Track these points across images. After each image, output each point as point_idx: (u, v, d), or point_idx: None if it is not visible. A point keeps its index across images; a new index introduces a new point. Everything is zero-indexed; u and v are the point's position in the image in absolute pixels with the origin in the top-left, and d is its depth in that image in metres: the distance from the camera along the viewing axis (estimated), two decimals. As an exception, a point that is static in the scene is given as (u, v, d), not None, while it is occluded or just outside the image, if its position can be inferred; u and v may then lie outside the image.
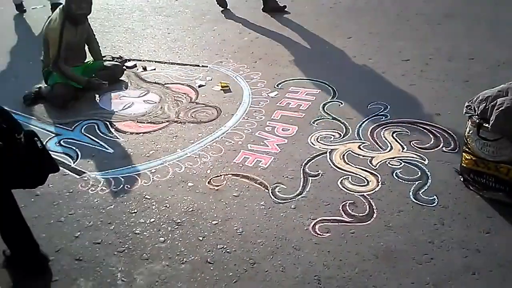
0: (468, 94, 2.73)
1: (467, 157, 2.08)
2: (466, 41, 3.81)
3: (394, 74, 3.40)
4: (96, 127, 3.03)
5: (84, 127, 3.03)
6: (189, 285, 1.80)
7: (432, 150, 2.46)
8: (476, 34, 3.95)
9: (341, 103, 3.05)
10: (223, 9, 5.21)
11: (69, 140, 2.90)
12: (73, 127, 3.05)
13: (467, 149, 2.07)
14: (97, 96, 3.46)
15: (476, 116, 1.96)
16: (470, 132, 2.01)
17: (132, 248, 1.99)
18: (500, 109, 1.81)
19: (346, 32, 4.29)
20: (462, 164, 2.14)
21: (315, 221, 2.05)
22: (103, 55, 4.01)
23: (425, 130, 2.64)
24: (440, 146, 2.48)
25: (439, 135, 2.58)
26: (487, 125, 1.88)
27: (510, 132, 1.82)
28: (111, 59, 3.98)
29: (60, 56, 3.29)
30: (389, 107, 2.93)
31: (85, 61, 3.64)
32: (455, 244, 1.87)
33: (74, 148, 2.80)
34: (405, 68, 3.47)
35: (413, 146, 2.50)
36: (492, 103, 1.87)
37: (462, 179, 2.18)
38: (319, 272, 1.80)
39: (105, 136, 2.91)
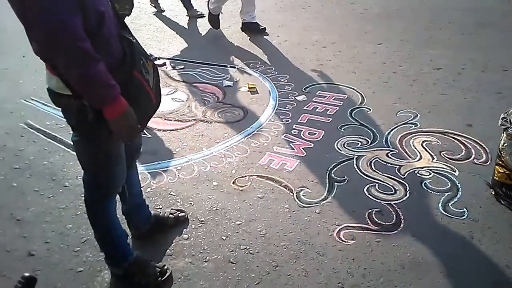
0: (501, 106, 2.68)
1: (500, 170, 2.02)
2: (500, 52, 3.72)
3: (425, 82, 3.34)
4: (124, 122, 3.06)
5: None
6: (211, 283, 1.80)
7: (463, 162, 2.40)
8: (510, 45, 3.85)
9: (370, 110, 3.01)
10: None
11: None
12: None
13: (500, 162, 2.01)
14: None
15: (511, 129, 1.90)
16: (505, 144, 1.95)
17: (155, 244, 2.00)
18: (538, 122, 1.75)
19: (377, 38, 4.24)
20: (494, 177, 2.08)
21: (340, 227, 2.03)
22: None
23: (456, 141, 2.58)
24: (472, 158, 2.42)
25: (470, 146, 2.52)
26: (524, 138, 1.82)
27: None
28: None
29: None
30: (419, 115, 2.88)
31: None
32: (484, 259, 1.81)
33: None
34: (437, 77, 3.40)
35: (443, 156, 2.45)
36: (530, 116, 1.81)
37: (493, 193, 2.12)
38: (343, 279, 1.77)
39: (132, 132, 2.93)
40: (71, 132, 1.56)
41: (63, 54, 1.23)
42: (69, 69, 1.26)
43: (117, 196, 1.81)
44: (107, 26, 1.35)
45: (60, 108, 1.49)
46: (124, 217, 1.98)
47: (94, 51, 1.25)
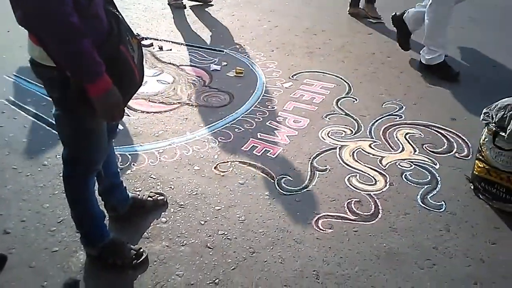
0: (486, 102, 2.67)
1: (480, 165, 2.03)
2: (489, 48, 3.72)
3: (413, 74, 3.34)
4: (107, 102, 3.02)
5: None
6: (187, 267, 1.79)
7: (445, 155, 2.41)
8: (501, 41, 3.86)
9: (356, 100, 3.00)
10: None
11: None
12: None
13: (480, 157, 2.02)
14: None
15: (493, 124, 1.91)
16: (486, 139, 1.96)
17: (132, 226, 1.99)
18: (519, 118, 1.76)
19: (368, 28, 4.22)
20: (474, 172, 2.09)
21: (319, 216, 2.03)
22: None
23: (439, 134, 2.59)
24: (453, 151, 2.44)
25: (453, 140, 2.53)
26: (503, 134, 1.83)
27: (527, 143, 1.77)
28: (128, 36, 3.96)
29: None
30: (404, 107, 2.88)
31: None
32: (459, 252, 1.83)
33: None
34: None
35: (425, 149, 2.46)
36: (510, 112, 1.82)
37: (472, 187, 2.14)
38: (318, 267, 1.78)
39: (116, 112, 2.89)
40: (53, 109, 1.52)
41: (50, 28, 1.20)
42: (54, 44, 1.23)
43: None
44: (95, 0, 1.31)
45: (42, 81, 1.45)
46: (101, 198, 1.95)
47: (81, 26, 1.21)
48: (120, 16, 1.45)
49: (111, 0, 1.47)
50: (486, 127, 1.98)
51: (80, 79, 1.29)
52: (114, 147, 2.44)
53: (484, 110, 1.99)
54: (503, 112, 1.86)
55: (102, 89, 1.30)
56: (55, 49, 1.25)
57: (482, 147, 1.99)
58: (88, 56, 1.24)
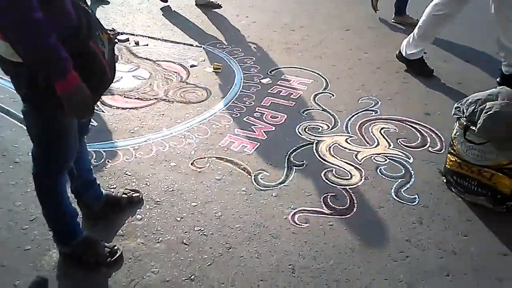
0: (460, 96, 2.74)
1: (452, 159, 2.07)
2: (466, 42, 3.79)
3: (389, 70, 3.37)
4: (82, 98, 2.96)
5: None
6: (162, 264, 1.78)
7: (418, 149, 2.45)
8: (478, 36, 3.92)
9: (333, 95, 3.02)
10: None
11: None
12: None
13: (452, 151, 2.06)
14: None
15: (464, 118, 1.94)
16: (457, 134, 2.00)
17: (107, 224, 1.96)
18: (489, 113, 1.79)
19: (345, 24, 4.25)
20: (446, 165, 2.13)
21: (295, 210, 2.04)
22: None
23: (413, 129, 2.63)
24: (427, 146, 2.48)
25: (426, 135, 2.57)
26: (474, 128, 1.87)
27: (496, 137, 1.81)
28: (104, 30, 3.89)
29: None
30: (380, 103, 2.91)
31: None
32: (431, 244, 1.87)
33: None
34: (400, 66, 3.43)
35: (399, 143, 2.49)
36: (481, 107, 1.86)
37: (445, 181, 2.18)
38: (294, 261, 1.79)
39: (90, 109, 2.85)
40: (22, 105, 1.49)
41: (14, 24, 1.16)
42: (18, 40, 1.19)
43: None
44: None
45: (9, 77, 1.42)
46: (74, 195, 1.92)
47: (46, 22, 1.18)
48: (90, 11, 1.42)
49: None
50: (457, 122, 2.01)
51: (46, 76, 1.26)
52: (88, 144, 2.42)
53: (456, 105, 2.03)
54: (473, 107, 1.90)
55: (69, 85, 1.27)
56: (20, 45, 1.21)
57: (454, 141, 2.03)
58: (54, 52, 1.21)
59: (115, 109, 2.85)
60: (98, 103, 2.88)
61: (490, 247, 1.85)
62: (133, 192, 2.09)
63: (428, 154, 2.41)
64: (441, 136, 2.54)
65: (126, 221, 1.98)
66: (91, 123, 1.84)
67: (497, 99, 1.84)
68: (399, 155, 2.40)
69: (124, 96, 3.01)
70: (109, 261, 1.77)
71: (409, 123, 2.68)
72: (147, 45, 3.83)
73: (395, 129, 2.63)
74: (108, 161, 2.36)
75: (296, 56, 3.63)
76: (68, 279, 1.76)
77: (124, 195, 2.06)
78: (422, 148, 2.46)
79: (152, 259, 1.80)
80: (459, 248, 1.85)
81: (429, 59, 3.51)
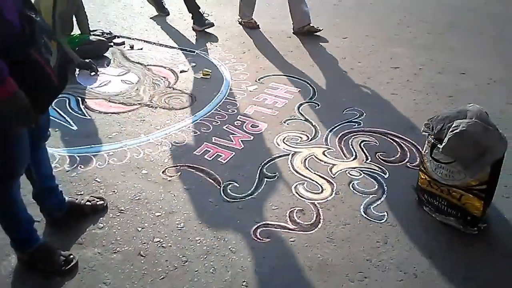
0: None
1: (422, 177, 2.00)
2: (463, 54, 3.69)
3: (379, 81, 3.31)
4: (67, 102, 3.00)
5: (54, 101, 2.98)
6: (115, 275, 1.76)
7: (396, 164, 2.38)
8: (475, 48, 3.83)
9: (318, 105, 2.97)
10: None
11: (38, 112, 2.87)
12: (45, 100, 3.01)
13: (423, 168, 1.99)
14: (77, 70, 3.41)
15: (432, 136, 1.87)
16: (426, 151, 1.93)
17: (68, 231, 1.96)
18: (455, 131, 1.72)
19: (343, 32, 4.19)
20: (418, 183, 2.06)
21: (258, 224, 2.00)
22: (95, 29, 3.98)
23: (394, 143, 2.56)
24: (405, 161, 2.41)
25: (407, 149, 2.50)
26: (440, 146, 1.79)
27: (462, 157, 1.74)
28: (100, 33, 3.93)
29: (55, 26, 3.23)
30: (364, 114, 2.85)
31: (71, 34, 3.59)
32: (393, 265, 1.80)
33: (41, 121, 2.77)
34: (392, 76, 3.37)
35: (377, 158, 2.43)
36: (449, 124, 1.78)
37: (417, 198, 2.11)
38: (249, 278, 1.75)
39: (73, 112, 2.87)
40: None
41: None
42: None
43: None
44: (3, 2, 1.28)
45: None
46: (36, 202, 1.93)
47: None
48: (38, 18, 1.41)
49: (29, 1, 1.43)
50: (427, 138, 1.94)
51: None
52: (64, 148, 2.44)
53: (426, 122, 1.95)
54: (442, 124, 1.83)
55: (5, 93, 1.27)
56: None
57: (424, 158, 1.96)
58: None
59: (97, 114, 2.86)
60: (82, 107, 2.91)
61: (455, 271, 1.77)
62: (97, 200, 2.08)
63: (405, 170, 2.34)
64: (422, 151, 2.45)
65: (87, 229, 1.97)
66: (49, 128, 1.83)
67: (466, 117, 1.77)
68: (375, 169, 2.34)
69: (109, 101, 3.02)
70: (64, 270, 1.76)
71: (391, 137, 2.61)
72: (141, 49, 3.85)
73: (375, 143, 2.56)
74: (80, 167, 2.36)
75: (288, 63, 3.59)
76: (22, 286, 1.75)
77: (88, 203, 2.05)
78: (401, 163, 2.39)
79: (106, 270, 1.78)
80: (421, 271, 1.78)
81: (424, 70, 3.44)
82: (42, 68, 1.37)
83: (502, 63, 3.52)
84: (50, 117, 2.74)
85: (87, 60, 3.35)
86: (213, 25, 4.16)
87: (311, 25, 4.04)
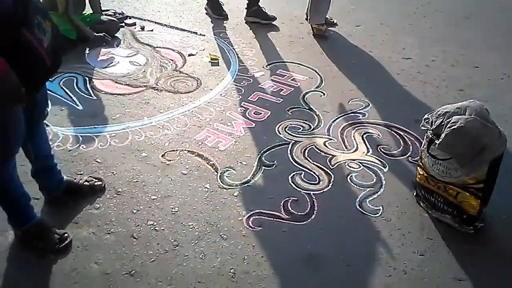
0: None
1: (420, 172, 1.97)
2: (477, 47, 3.59)
3: (390, 71, 3.24)
4: (75, 81, 3.02)
5: (63, 80, 3.02)
6: (107, 256, 1.79)
7: (398, 158, 2.35)
8: (490, 41, 3.71)
9: (323, 94, 2.94)
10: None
11: (45, 91, 2.91)
12: (53, 79, 3.04)
13: (421, 163, 1.96)
14: (87, 49, 3.43)
15: (431, 131, 1.83)
16: (424, 146, 1.89)
17: (65, 210, 1.99)
18: (452, 127, 1.68)
19: (357, 20, 4.11)
20: (416, 178, 2.03)
21: (252, 212, 2.00)
22: (107, 8, 3.99)
23: (397, 136, 2.52)
24: (407, 155, 2.37)
25: (410, 143, 2.46)
26: (437, 142, 1.75)
27: (459, 154, 1.70)
28: (113, 13, 3.94)
29: (69, 4, 3.26)
30: (370, 105, 2.81)
31: (83, 13, 3.61)
32: (383, 260, 1.79)
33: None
34: (403, 67, 3.30)
35: (379, 150, 2.40)
36: (448, 120, 1.74)
37: (414, 194, 2.08)
38: (237, 265, 1.76)
39: (79, 92, 2.90)
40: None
41: None
42: None
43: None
44: None
45: None
46: (35, 180, 1.96)
47: None
48: None
49: None
50: (426, 133, 1.91)
51: None
52: (68, 128, 2.47)
53: (425, 116, 1.91)
54: (441, 119, 1.78)
55: None
56: None
57: (422, 153, 1.93)
58: None
59: (103, 94, 2.89)
60: (89, 87, 2.93)
61: (446, 270, 1.75)
62: (96, 180, 2.11)
63: (406, 164, 2.30)
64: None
65: (84, 209, 2.01)
66: (48, 107, 1.85)
67: (465, 113, 1.72)
68: (375, 162, 2.31)
69: (116, 82, 3.04)
70: (57, 247, 1.80)
71: (395, 129, 2.57)
72: (151, 30, 3.84)
73: (378, 135, 2.52)
74: (82, 147, 2.39)
75: (298, 50, 3.55)
76: (17, 262, 1.80)
77: (86, 183, 2.08)
78: (402, 157, 2.36)
79: (99, 250, 1.82)
80: (411, 268, 1.76)
81: (436, 62, 3.36)
82: (35, 48, 1.38)
83: (518, 57, 3.41)
84: (58, 96, 2.81)
85: (101, 34, 3.38)
86: (227, 19, 4.08)
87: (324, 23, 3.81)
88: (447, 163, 1.77)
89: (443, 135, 1.70)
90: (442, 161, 1.79)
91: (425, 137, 1.92)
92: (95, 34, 3.39)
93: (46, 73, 1.48)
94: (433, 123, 1.81)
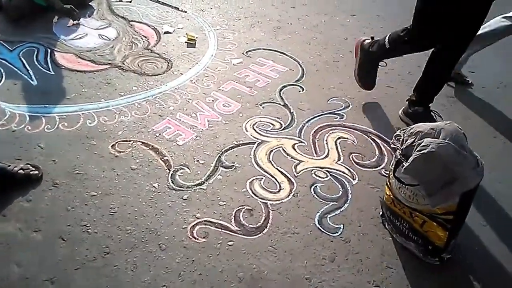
0: (444, 113, 2.41)
1: (387, 193, 1.77)
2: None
3: (379, 69, 2.99)
4: (35, 52, 2.79)
5: (23, 50, 2.79)
6: (30, 258, 1.62)
7: (369, 170, 2.15)
8: (490, 47, 3.45)
9: (302, 89, 2.71)
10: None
11: (2, 61, 2.68)
12: (14, 48, 2.82)
13: (388, 183, 1.76)
14: (55, 18, 3.18)
15: (399, 151, 1.63)
16: (393, 166, 1.69)
17: (-7, 201, 1.80)
18: (422, 151, 1.47)
19: (353, 9, 3.84)
20: (384, 198, 1.83)
21: (199, 220, 1.81)
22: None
23: (374, 144, 2.31)
24: (381, 166, 2.17)
25: (386, 153, 2.25)
26: (405, 164, 1.55)
27: (427, 182, 1.50)
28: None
29: None
30: (351, 106, 2.59)
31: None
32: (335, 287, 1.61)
33: (2, 71, 2.58)
34: (392, 66, 3.06)
35: (351, 159, 2.19)
36: (419, 141, 1.53)
37: (381, 214, 1.89)
38: (170, 282, 1.58)
39: (38, 65, 2.67)
40: None
41: None
42: None
43: None
44: None
45: None
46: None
47: None
48: None
49: None
50: (395, 152, 1.70)
51: None
52: (17, 105, 2.26)
53: (397, 132, 1.70)
54: (413, 139, 1.57)
55: None
56: None
57: (390, 173, 1.72)
58: None
59: (63, 70, 2.66)
60: (49, 60, 2.70)
61: (401, 306, 1.58)
62: (33, 169, 1.91)
63: (378, 177, 2.10)
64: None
65: (15, 201, 1.82)
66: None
67: (439, 136, 1.51)
68: (344, 173, 2.11)
69: (79, 56, 2.80)
70: None
71: (372, 136, 2.36)
72: (130, 1, 3.58)
73: (353, 141, 2.32)
74: (27, 128, 2.19)
75: (282, 37, 3.30)
76: None
77: (20, 171, 1.88)
78: (374, 169, 2.16)
79: (22, 249, 1.64)
80: (363, 300, 1.59)
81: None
82: None
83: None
84: (15, 68, 2.59)
85: (68, 6, 3.11)
86: None
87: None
88: (415, 189, 1.57)
89: (411, 159, 1.50)
90: (409, 186, 1.59)
91: (394, 156, 1.71)
92: (61, 5, 3.10)
93: None
94: (404, 142, 1.60)
